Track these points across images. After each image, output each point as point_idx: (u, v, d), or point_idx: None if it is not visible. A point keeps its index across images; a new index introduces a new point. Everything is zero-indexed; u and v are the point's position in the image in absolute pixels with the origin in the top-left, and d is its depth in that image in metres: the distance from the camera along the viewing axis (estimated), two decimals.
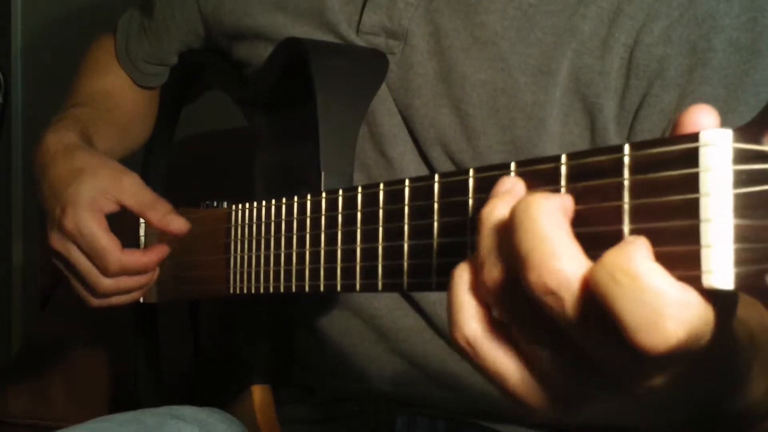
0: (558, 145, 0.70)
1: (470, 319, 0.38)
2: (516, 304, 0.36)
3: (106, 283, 0.77)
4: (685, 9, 0.65)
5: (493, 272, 0.36)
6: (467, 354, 0.38)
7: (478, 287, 0.38)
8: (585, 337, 0.35)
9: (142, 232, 0.85)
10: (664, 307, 0.31)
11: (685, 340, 0.31)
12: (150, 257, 0.79)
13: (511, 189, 0.38)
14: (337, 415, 0.86)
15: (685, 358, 0.34)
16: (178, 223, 0.78)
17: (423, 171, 0.77)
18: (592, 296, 0.33)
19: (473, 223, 0.43)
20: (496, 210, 0.37)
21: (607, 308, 0.32)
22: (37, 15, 1.93)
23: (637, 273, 0.31)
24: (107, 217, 0.78)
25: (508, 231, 0.35)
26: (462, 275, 0.38)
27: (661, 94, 0.66)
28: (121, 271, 0.76)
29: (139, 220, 0.84)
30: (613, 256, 0.32)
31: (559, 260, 0.33)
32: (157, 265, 0.81)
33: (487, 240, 0.37)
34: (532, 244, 0.34)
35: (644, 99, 0.67)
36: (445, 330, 0.78)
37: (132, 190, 0.78)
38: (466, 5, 0.72)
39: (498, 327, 0.38)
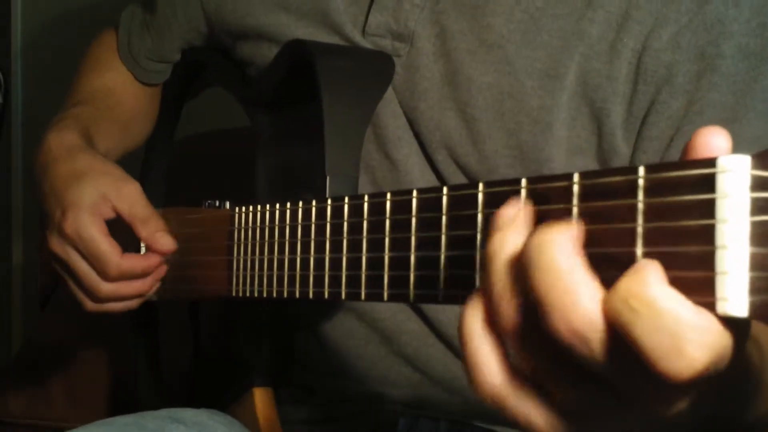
0: (564, 149, 0.70)
1: (490, 375, 0.37)
2: (539, 344, 0.35)
3: (106, 287, 0.76)
4: (693, 14, 0.64)
5: (510, 313, 0.36)
6: (494, 406, 0.38)
7: (493, 329, 0.37)
8: (611, 371, 0.34)
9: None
10: (684, 333, 0.30)
11: (709, 364, 0.31)
12: (149, 261, 0.78)
13: (515, 217, 0.37)
14: (338, 416, 0.86)
15: (707, 382, 0.33)
16: (164, 242, 0.78)
17: (428, 174, 0.76)
18: (615, 330, 0.32)
19: (483, 237, 0.43)
20: (506, 245, 0.36)
21: (628, 337, 0.31)
22: (37, 15, 1.93)
23: (653, 299, 0.31)
24: (110, 221, 0.77)
25: (522, 269, 0.35)
26: (473, 316, 0.37)
27: (669, 101, 0.65)
28: (120, 276, 0.76)
29: None
30: (626, 283, 0.32)
31: (583, 302, 0.33)
32: (157, 280, 0.80)
33: (499, 279, 0.36)
34: (551, 287, 0.33)
35: (652, 105, 0.66)
36: (447, 334, 0.78)
37: (130, 200, 0.77)
38: (473, 7, 0.71)
39: (520, 374, 0.37)
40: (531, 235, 0.34)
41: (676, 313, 0.31)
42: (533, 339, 0.35)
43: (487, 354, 0.37)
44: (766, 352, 0.43)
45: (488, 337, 0.37)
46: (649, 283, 0.31)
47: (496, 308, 0.36)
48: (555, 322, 0.33)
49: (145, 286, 0.79)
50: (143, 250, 0.85)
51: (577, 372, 0.35)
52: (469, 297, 0.38)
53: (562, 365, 0.35)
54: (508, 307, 0.36)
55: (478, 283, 0.44)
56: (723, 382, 0.35)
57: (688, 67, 0.65)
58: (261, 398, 0.80)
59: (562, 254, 0.33)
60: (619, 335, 0.32)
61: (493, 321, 0.37)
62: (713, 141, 0.33)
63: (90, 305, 0.79)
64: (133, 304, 0.81)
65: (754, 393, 0.42)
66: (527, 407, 0.37)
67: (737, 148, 0.67)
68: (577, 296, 0.33)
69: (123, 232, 0.79)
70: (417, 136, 0.75)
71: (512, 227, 0.36)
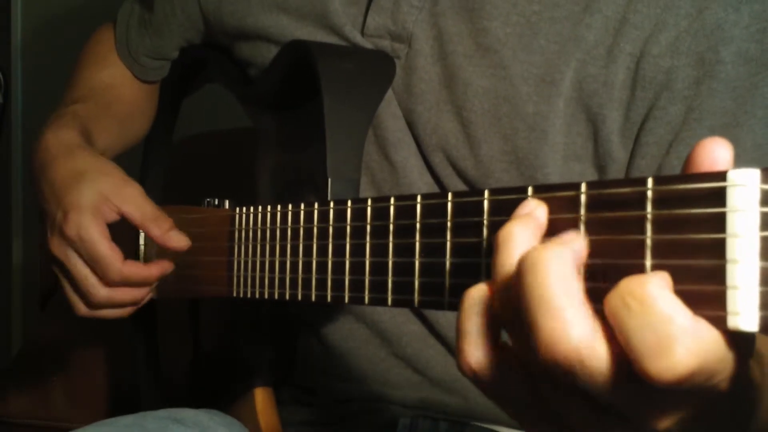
0: (560, 155, 0.69)
1: (475, 347, 0.37)
2: (526, 342, 0.36)
3: (102, 292, 0.75)
4: (693, 19, 0.64)
5: (504, 304, 0.36)
6: (477, 382, 0.38)
7: (489, 310, 0.37)
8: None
9: (141, 241, 0.84)
10: (673, 334, 0.31)
11: (695, 371, 0.31)
12: (151, 271, 0.77)
13: (531, 213, 0.38)
14: (338, 417, 0.86)
15: (697, 394, 0.33)
16: (178, 240, 0.77)
17: (426, 177, 0.76)
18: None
19: (488, 245, 0.43)
20: (514, 235, 0.36)
21: (618, 333, 0.32)
22: (37, 14, 1.92)
23: (648, 298, 0.31)
24: (109, 226, 0.76)
25: (515, 284, 0.35)
26: (474, 298, 0.38)
27: (668, 107, 0.65)
28: (121, 282, 0.75)
29: (138, 230, 0.83)
30: (627, 282, 0.32)
31: (568, 334, 0.32)
32: (153, 287, 0.79)
33: (501, 268, 0.36)
34: (539, 313, 0.33)
35: (650, 111, 0.66)
36: (447, 336, 0.78)
37: (135, 202, 0.76)
38: (470, 10, 0.71)
39: (504, 354, 0.37)
40: (527, 251, 0.34)
41: (667, 314, 0.31)
42: (522, 335, 0.35)
43: (475, 324, 0.37)
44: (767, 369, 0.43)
45: (484, 315, 0.37)
46: (647, 284, 0.31)
47: (495, 295, 0.36)
48: (542, 353, 0.33)
49: (141, 294, 0.78)
50: (141, 254, 0.84)
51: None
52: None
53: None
54: (504, 299, 0.36)
55: None
56: (724, 401, 0.35)
57: (688, 72, 0.64)
58: (261, 399, 0.80)
59: (556, 280, 0.33)
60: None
61: (491, 303, 0.37)
62: (716, 152, 0.34)
63: (83, 310, 0.78)
64: (126, 311, 0.80)
65: (751, 411, 0.42)
66: (507, 386, 0.37)
67: (738, 156, 0.67)
68: (566, 331, 0.32)
69: (122, 236, 0.78)
70: (415, 138, 0.75)
71: (526, 220, 0.37)
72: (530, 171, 0.70)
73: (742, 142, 0.64)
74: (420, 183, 0.76)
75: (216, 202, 0.83)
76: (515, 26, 0.69)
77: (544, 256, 0.33)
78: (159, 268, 0.77)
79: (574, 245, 0.35)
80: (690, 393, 0.33)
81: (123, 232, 0.78)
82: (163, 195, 1.00)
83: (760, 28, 0.63)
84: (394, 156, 0.76)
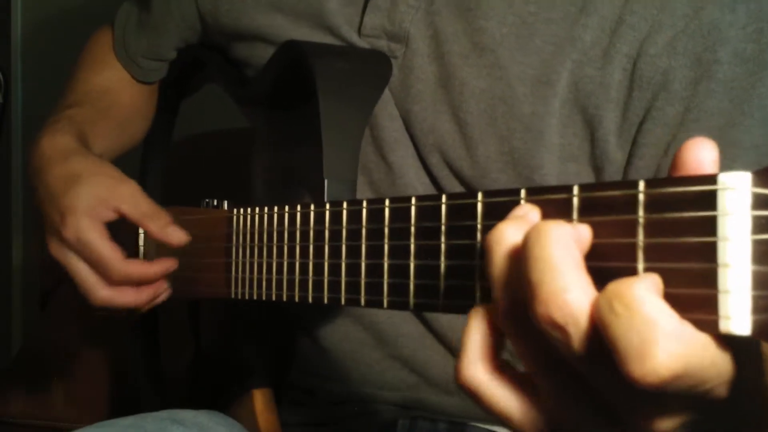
0: (557, 156, 0.69)
1: (471, 363, 0.37)
2: (526, 335, 0.36)
3: (101, 293, 0.75)
4: (690, 20, 0.64)
5: (503, 301, 0.36)
6: (472, 397, 0.38)
7: (489, 319, 0.37)
8: (590, 371, 0.34)
9: (141, 242, 0.83)
10: (654, 338, 0.31)
11: (680, 375, 0.31)
12: (155, 269, 0.76)
13: (524, 216, 0.38)
14: (337, 419, 0.86)
15: (690, 399, 0.33)
16: (178, 235, 0.77)
17: (423, 177, 0.76)
18: (596, 329, 0.32)
19: (482, 247, 0.43)
20: (506, 235, 0.36)
21: (605, 336, 0.32)
22: (37, 14, 1.92)
23: (633, 301, 0.31)
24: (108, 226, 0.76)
25: (518, 258, 0.35)
26: (477, 313, 0.38)
27: (666, 107, 0.65)
28: (124, 280, 0.75)
29: (138, 229, 0.82)
30: (615, 285, 0.32)
31: (568, 294, 0.33)
32: (156, 294, 0.78)
33: (496, 267, 0.36)
34: (541, 275, 0.33)
35: (648, 112, 0.66)
36: (445, 336, 0.78)
37: (132, 200, 0.76)
38: (466, 9, 0.70)
39: (502, 367, 0.37)
40: (532, 226, 0.35)
41: (652, 317, 0.31)
42: (523, 328, 0.35)
43: (474, 342, 0.37)
44: None
45: (483, 327, 0.38)
46: (634, 287, 0.31)
47: (493, 297, 0.37)
48: (540, 311, 0.33)
49: (145, 295, 0.77)
50: (141, 254, 0.84)
51: (559, 367, 0.35)
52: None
53: (546, 356, 0.36)
54: (502, 296, 0.36)
55: (478, 293, 0.44)
56: (733, 408, 0.35)
57: (685, 73, 0.64)
58: (260, 400, 0.80)
59: (558, 246, 0.33)
60: (599, 334, 0.32)
61: (490, 312, 0.37)
62: (701, 153, 0.34)
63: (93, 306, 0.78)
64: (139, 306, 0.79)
65: None
66: (505, 400, 0.37)
67: (735, 157, 0.66)
68: (564, 289, 0.33)
69: (121, 237, 0.78)
70: (412, 138, 0.75)
71: (518, 221, 0.37)
72: (527, 172, 0.70)
73: (740, 142, 0.63)
74: (417, 183, 0.76)
75: (215, 203, 0.83)
76: (511, 26, 0.69)
77: (549, 225, 0.34)
78: (162, 266, 0.77)
79: (579, 228, 0.35)
80: (681, 397, 0.33)
81: (122, 233, 0.78)
82: (162, 196, 1.00)
83: (756, 29, 0.63)
84: (391, 156, 0.76)
